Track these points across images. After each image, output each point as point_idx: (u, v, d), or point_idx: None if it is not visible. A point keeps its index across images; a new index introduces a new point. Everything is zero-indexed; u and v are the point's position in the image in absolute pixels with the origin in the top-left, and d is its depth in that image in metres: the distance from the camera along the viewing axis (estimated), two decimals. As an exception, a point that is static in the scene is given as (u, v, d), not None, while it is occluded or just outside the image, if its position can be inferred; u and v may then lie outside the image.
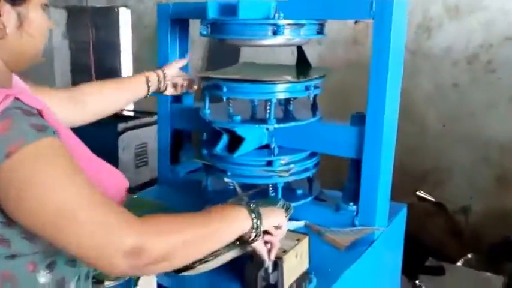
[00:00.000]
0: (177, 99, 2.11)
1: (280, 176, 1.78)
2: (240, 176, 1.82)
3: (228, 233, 1.15)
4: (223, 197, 1.82)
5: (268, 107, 1.74)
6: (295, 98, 1.90)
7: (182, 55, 2.07)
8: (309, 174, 1.87)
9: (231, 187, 1.91)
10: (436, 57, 3.31)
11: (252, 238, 1.21)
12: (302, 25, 1.71)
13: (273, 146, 1.82)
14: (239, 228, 1.17)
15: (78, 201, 0.93)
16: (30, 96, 1.03)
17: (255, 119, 1.86)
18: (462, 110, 3.27)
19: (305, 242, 1.43)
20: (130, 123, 4.17)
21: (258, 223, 1.20)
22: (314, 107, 1.89)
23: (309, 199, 1.87)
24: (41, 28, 1.09)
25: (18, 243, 0.99)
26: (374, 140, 1.65)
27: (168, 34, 2.05)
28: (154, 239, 0.96)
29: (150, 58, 4.70)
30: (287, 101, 1.92)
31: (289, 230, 1.42)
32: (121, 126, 4.09)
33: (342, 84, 3.26)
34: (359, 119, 1.71)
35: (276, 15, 1.66)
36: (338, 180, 1.89)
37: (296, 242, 1.41)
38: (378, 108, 1.63)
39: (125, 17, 5.02)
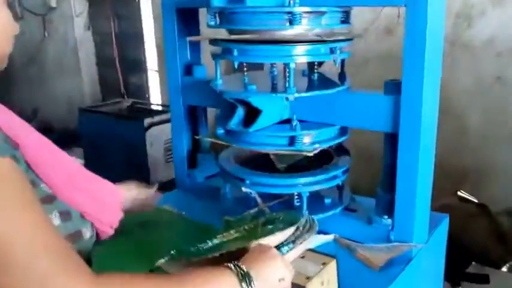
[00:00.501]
0: (187, 71, 1.93)
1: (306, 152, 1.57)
2: (260, 185, 1.63)
3: None
4: (242, 207, 1.66)
5: (287, 74, 1.52)
6: (319, 65, 1.69)
7: (192, 48, 1.92)
8: (337, 182, 1.67)
9: (252, 195, 1.74)
10: (477, 48, 3.08)
11: None
12: (323, 13, 1.50)
13: (294, 122, 1.59)
14: None
15: (22, 241, 0.76)
16: None
17: (273, 88, 1.67)
18: (506, 105, 3.03)
19: (332, 267, 1.25)
20: (157, 118, 4.10)
21: (250, 285, 0.96)
22: (342, 76, 1.67)
23: (338, 209, 1.67)
24: (5, 28, 0.92)
25: None
26: (412, 109, 1.41)
27: (175, 25, 1.87)
28: None
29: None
30: (310, 69, 1.71)
31: (312, 249, 1.25)
32: (147, 121, 4.03)
33: (373, 77, 3.04)
34: (394, 87, 1.48)
35: (291, 1, 1.44)
36: (373, 188, 1.69)
37: (322, 266, 1.23)
38: (415, 74, 1.39)
39: (146, 7, 4.92)
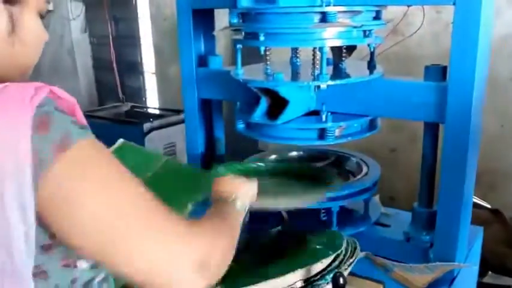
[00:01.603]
0: (202, 62, 1.80)
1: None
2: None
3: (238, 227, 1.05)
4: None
5: (317, 60, 1.40)
6: (349, 53, 1.59)
7: (207, 51, 1.80)
8: (367, 195, 1.56)
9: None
10: (493, 47, 2.98)
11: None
12: (358, 12, 1.39)
13: (324, 114, 1.47)
14: (239, 218, 1.08)
15: (136, 212, 0.80)
16: (62, 90, 0.84)
17: (301, 76, 1.56)
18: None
19: (379, 293, 1.14)
20: (156, 123, 4.00)
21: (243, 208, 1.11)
22: (372, 64, 1.55)
23: (369, 224, 1.57)
24: (37, 38, 0.90)
25: (58, 275, 0.82)
26: (461, 97, 1.28)
27: (191, 27, 1.73)
28: (215, 249, 0.87)
29: (171, 51, 4.55)
30: (338, 57, 1.59)
31: (354, 273, 1.15)
32: (147, 126, 3.93)
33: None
34: (437, 72, 1.36)
35: (324, 0, 1.33)
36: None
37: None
38: (467, 55, 1.27)
39: (143, 9, 4.82)
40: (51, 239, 0.79)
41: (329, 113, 1.46)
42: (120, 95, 4.98)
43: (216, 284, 1.14)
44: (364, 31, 1.41)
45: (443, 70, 1.35)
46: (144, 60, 5.06)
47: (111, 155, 0.83)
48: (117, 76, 4.96)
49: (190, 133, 1.89)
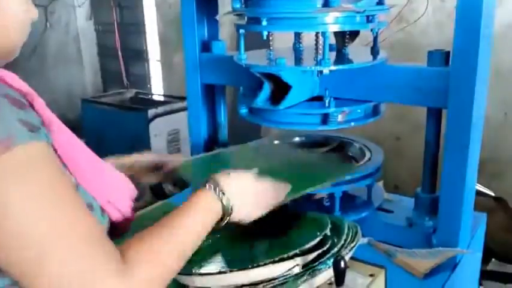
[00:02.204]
0: (205, 48, 1.80)
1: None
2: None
3: (203, 228, 0.95)
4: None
5: (320, 46, 1.40)
6: (352, 39, 1.58)
7: (210, 36, 1.79)
8: (370, 180, 1.56)
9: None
10: (496, 35, 2.95)
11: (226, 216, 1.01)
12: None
13: (327, 99, 1.47)
14: (209, 213, 0.97)
15: (58, 234, 0.72)
16: (16, 77, 0.79)
17: (303, 61, 1.55)
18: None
19: (381, 278, 1.14)
20: (161, 109, 3.99)
21: (225, 200, 0.99)
22: (375, 50, 1.54)
23: (371, 210, 1.57)
24: (17, 18, 0.84)
25: None
26: (464, 83, 1.27)
27: (194, 12, 1.73)
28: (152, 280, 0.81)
29: (176, 39, 4.54)
30: (341, 42, 1.58)
31: (355, 258, 1.15)
32: (151, 112, 3.92)
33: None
34: (440, 57, 1.35)
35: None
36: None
37: (370, 278, 1.12)
38: (469, 39, 1.26)
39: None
40: None
41: (332, 98, 1.45)
42: (125, 81, 4.98)
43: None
44: (367, 16, 1.40)
45: (447, 55, 1.34)
46: (149, 48, 5.05)
47: (56, 166, 0.76)
48: (122, 63, 4.96)
49: (192, 118, 1.88)
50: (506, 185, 3.10)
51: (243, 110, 1.60)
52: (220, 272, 1.10)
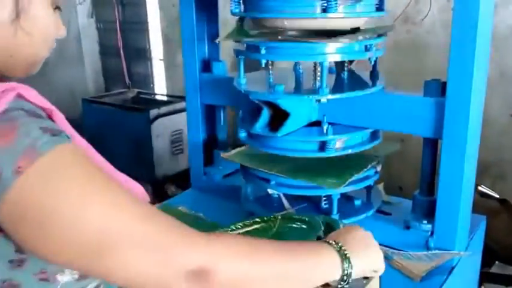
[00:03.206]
0: (205, 68, 1.81)
1: (335, 187, 1.45)
2: (286, 186, 1.52)
3: (315, 272, 0.89)
4: (266, 209, 1.54)
5: (318, 73, 1.41)
6: (350, 63, 1.58)
7: (211, 37, 1.79)
8: (369, 182, 1.55)
9: (276, 196, 1.62)
10: (501, 36, 2.93)
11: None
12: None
13: (325, 125, 1.47)
14: (328, 270, 0.91)
15: (122, 217, 0.72)
16: (36, 93, 0.78)
17: (302, 88, 1.54)
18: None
19: (376, 281, 1.12)
20: (163, 109, 3.98)
21: (349, 269, 0.92)
22: (374, 74, 1.55)
23: (370, 212, 1.55)
24: (45, 29, 0.83)
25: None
26: (458, 114, 1.29)
27: (193, 13, 1.73)
28: (225, 260, 0.77)
29: (179, 37, 4.49)
30: (340, 67, 1.59)
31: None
32: (153, 112, 3.90)
33: (389, 67, 2.91)
34: (436, 88, 1.36)
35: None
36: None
37: (364, 281, 1.10)
38: (463, 75, 1.27)
39: (151, -6, 4.78)
40: (20, 253, 0.74)
41: (329, 126, 1.47)
42: (127, 81, 4.96)
43: None
44: (366, 45, 1.41)
45: (443, 85, 1.34)
46: (151, 47, 5.02)
47: (89, 159, 0.76)
48: (124, 62, 4.93)
49: (192, 133, 1.92)
50: (511, 186, 3.06)
51: (242, 134, 1.60)
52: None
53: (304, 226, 1.34)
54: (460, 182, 1.32)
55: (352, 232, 1.00)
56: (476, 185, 2.99)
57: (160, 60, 4.99)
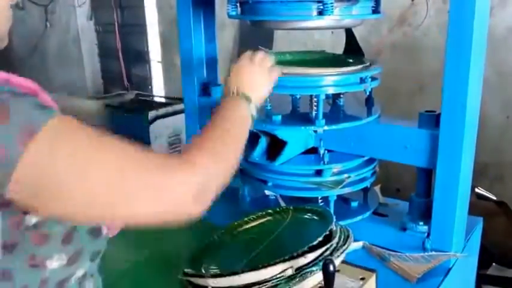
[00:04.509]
0: (204, 92, 1.82)
1: (331, 189, 1.47)
2: (283, 188, 1.52)
3: (246, 124, 1.11)
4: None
5: (315, 105, 1.43)
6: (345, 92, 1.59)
7: (208, 40, 1.79)
8: (366, 184, 1.56)
9: (273, 197, 1.63)
10: (499, 38, 2.93)
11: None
12: (355, 2, 1.39)
13: (322, 151, 1.51)
14: (248, 119, 1.12)
15: (125, 172, 0.78)
16: (24, 80, 0.80)
17: (298, 117, 1.56)
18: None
19: (372, 282, 1.13)
20: (162, 111, 3.97)
21: (254, 111, 1.15)
22: (369, 102, 1.58)
23: (367, 214, 1.56)
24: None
25: (25, 275, 0.79)
26: (452, 146, 1.32)
27: (191, 16, 1.73)
28: (205, 167, 0.85)
29: (178, 40, 4.50)
30: (336, 94, 1.60)
31: (346, 261, 1.15)
32: (152, 114, 3.90)
33: (385, 70, 2.92)
34: (430, 120, 1.38)
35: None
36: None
37: (361, 282, 1.11)
38: (457, 106, 1.28)
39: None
40: (14, 238, 0.76)
41: (326, 152, 1.51)
42: (126, 83, 4.96)
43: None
44: (361, 78, 1.44)
45: (437, 118, 1.36)
46: (150, 49, 5.03)
47: (82, 124, 0.79)
48: (122, 64, 4.94)
49: (190, 132, 1.93)
50: (508, 188, 3.06)
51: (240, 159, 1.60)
52: (213, 276, 1.11)
53: (315, 217, 1.36)
54: (456, 183, 1.33)
55: (247, 71, 1.20)
56: (474, 187, 3.01)
57: (159, 62, 5.00)
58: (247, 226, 1.41)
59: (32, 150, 0.69)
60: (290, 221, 1.38)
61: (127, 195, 0.76)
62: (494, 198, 2.97)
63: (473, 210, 2.11)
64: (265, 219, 1.42)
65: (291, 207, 1.43)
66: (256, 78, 1.20)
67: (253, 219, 1.42)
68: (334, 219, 1.25)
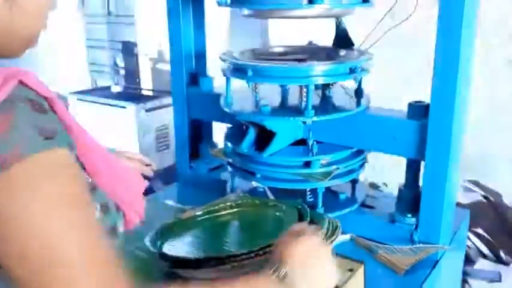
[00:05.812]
0: (193, 81, 1.80)
1: (319, 181, 1.46)
2: (271, 180, 1.51)
3: None
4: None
5: (304, 95, 1.42)
6: (335, 82, 1.59)
7: (197, 32, 1.79)
8: (354, 176, 1.55)
9: (261, 190, 1.62)
10: (487, 29, 2.92)
11: None
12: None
13: (310, 142, 1.50)
14: None
15: (73, 241, 0.69)
16: (37, 79, 0.75)
17: (287, 108, 1.55)
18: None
19: (360, 273, 1.13)
20: (149, 105, 3.94)
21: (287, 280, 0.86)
22: (359, 93, 1.57)
23: (355, 206, 1.55)
24: (39, 3, 0.81)
25: None
26: (440, 137, 1.31)
27: (180, 6, 1.72)
28: None
29: (167, 32, 4.47)
30: (325, 85, 1.60)
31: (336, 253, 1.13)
32: (139, 107, 3.86)
33: (376, 62, 2.91)
34: (419, 110, 1.37)
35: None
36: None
37: (349, 273, 1.10)
38: (446, 96, 1.28)
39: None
40: None
41: (315, 143, 1.49)
42: (114, 76, 4.93)
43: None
44: (350, 68, 1.43)
45: (426, 108, 1.35)
46: (138, 42, 4.99)
47: (72, 174, 0.73)
48: (111, 56, 4.91)
49: (178, 124, 1.91)
50: (495, 184, 3.07)
51: (228, 149, 1.60)
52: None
53: (278, 214, 1.34)
54: (444, 175, 1.32)
55: (303, 249, 0.89)
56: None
57: (146, 55, 4.96)
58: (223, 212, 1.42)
59: (3, 177, 0.65)
60: (253, 219, 1.37)
61: (59, 266, 0.68)
62: (482, 192, 3.00)
63: (460, 205, 2.13)
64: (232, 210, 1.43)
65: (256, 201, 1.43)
66: (322, 268, 0.91)
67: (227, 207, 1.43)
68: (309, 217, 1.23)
